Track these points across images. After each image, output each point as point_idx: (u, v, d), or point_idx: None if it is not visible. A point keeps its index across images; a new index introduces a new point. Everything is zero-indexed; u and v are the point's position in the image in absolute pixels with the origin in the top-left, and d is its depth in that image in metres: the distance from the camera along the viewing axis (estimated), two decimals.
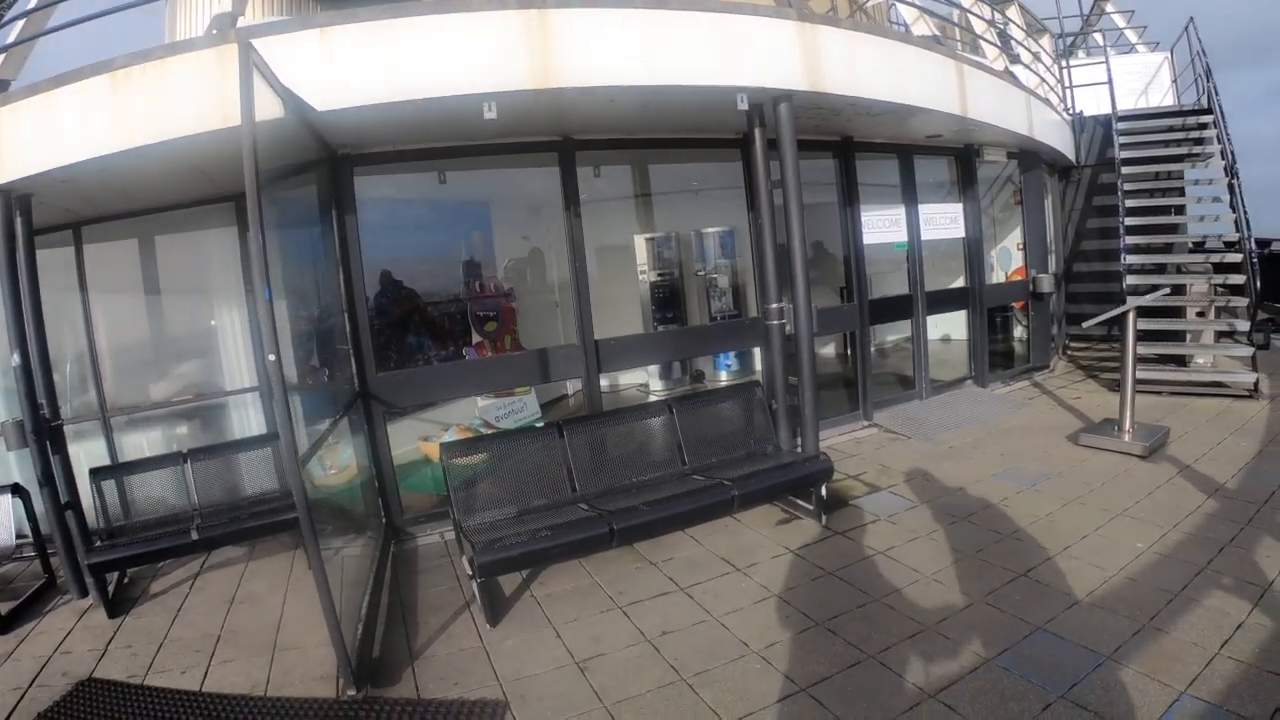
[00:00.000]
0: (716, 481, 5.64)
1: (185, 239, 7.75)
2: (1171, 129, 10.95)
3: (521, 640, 4.50)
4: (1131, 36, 14.84)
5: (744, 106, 5.89)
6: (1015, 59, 10.30)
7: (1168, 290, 8.36)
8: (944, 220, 9.39)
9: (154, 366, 7.98)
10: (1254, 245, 13.94)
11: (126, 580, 5.98)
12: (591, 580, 5.23)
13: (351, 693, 4.03)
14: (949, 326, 10.83)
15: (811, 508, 5.93)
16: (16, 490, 5.90)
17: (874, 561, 5.12)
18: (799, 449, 6.49)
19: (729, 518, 5.99)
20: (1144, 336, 9.13)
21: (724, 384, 9.44)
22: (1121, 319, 7.08)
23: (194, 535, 5.67)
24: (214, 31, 4.86)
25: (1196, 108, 11.14)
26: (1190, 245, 9.91)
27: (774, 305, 6.40)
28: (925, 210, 9.14)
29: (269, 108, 4.33)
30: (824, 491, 5.85)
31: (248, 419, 7.86)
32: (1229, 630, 3.85)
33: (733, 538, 5.75)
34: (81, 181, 5.48)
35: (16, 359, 5.36)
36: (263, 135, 3.94)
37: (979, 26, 9.46)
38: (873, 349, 10.87)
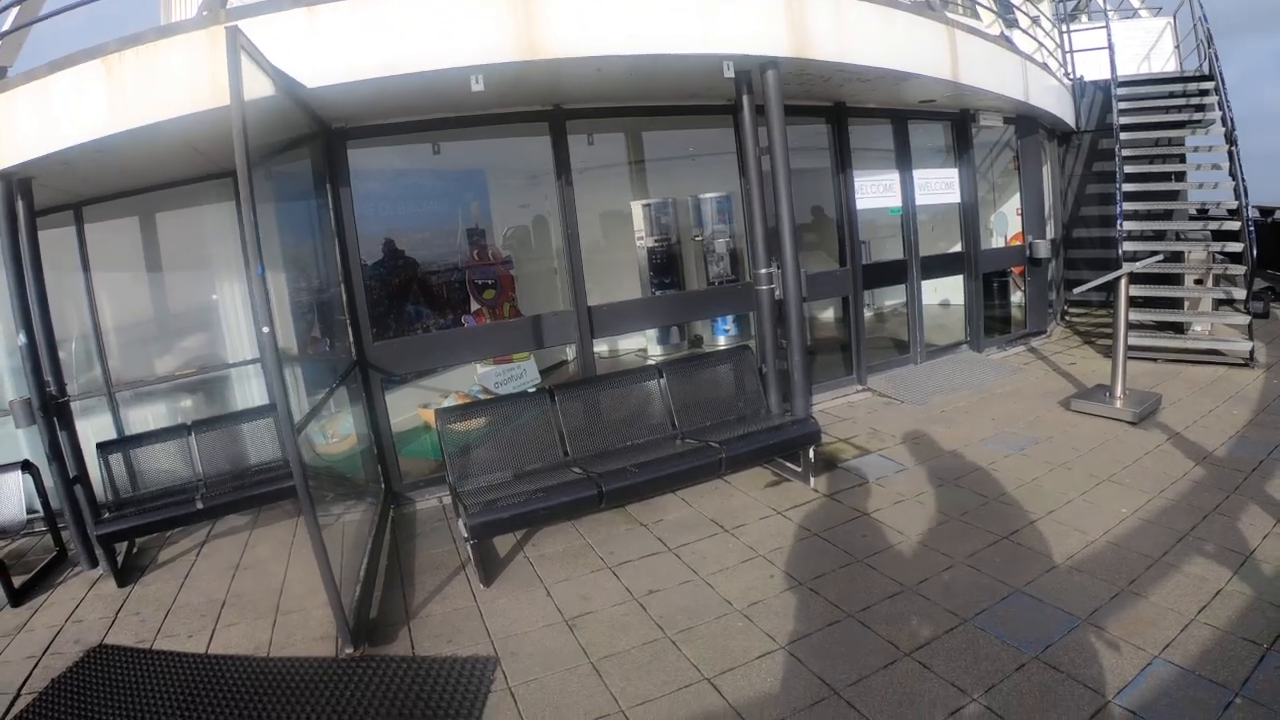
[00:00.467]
0: (705, 444, 5.75)
1: (184, 215, 7.82)
2: (1172, 95, 10.87)
3: (513, 599, 4.63)
4: (1134, 1, 14.67)
5: (730, 74, 5.91)
6: (1013, 24, 10.22)
7: (1161, 257, 8.36)
8: (939, 185, 9.39)
9: (157, 341, 8.11)
10: (1257, 213, 13.98)
11: (135, 550, 6.14)
12: (583, 541, 5.35)
13: (349, 651, 4.18)
14: (948, 291, 10.84)
15: (800, 470, 6.01)
16: (26, 466, 6.02)
17: (859, 523, 5.21)
18: (789, 413, 6.56)
19: (719, 480, 6.11)
20: (1142, 303, 9.19)
21: (721, 349, 9.50)
22: (1114, 285, 7.11)
23: (199, 504, 5.80)
24: (204, 13, 4.92)
25: (1198, 74, 11.05)
26: (1192, 212, 9.90)
27: (763, 270, 6.45)
28: (920, 175, 9.14)
29: (259, 87, 4.39)
30: (812, 454, 5.93)
31: (250, 390, 7.97)
32: (1207, 596, 3.89)
33: (722, 500, 5.85)
34: (80, 163, 5.55)
35: (22, 338, 5.47)
36: (254, 113, 4.02)
37: None
38: (870, 313, 10.94)
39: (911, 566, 4.55)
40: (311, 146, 5.99)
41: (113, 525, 5.65)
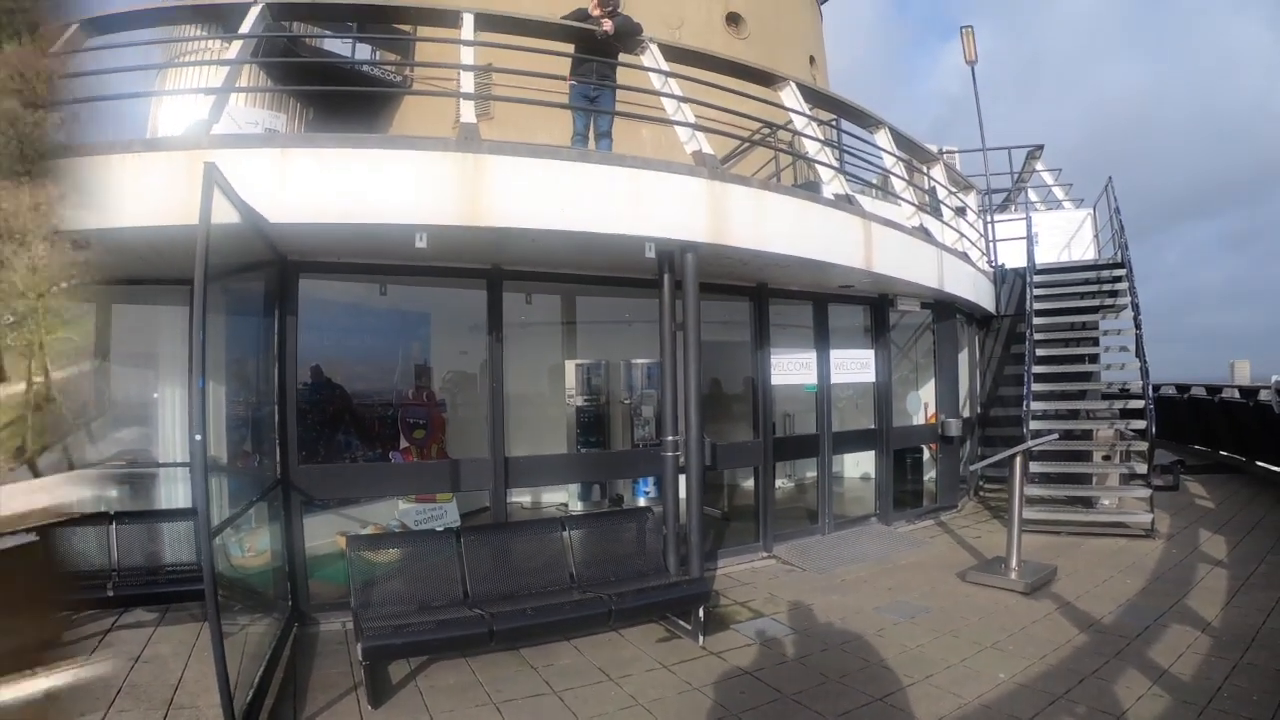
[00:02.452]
0: (597, 596, 6.01)
1: (139, 311, 8.07)
2: (1087, 281, 11.76)
3: None
4: (1059, 194, 15.81)
5: (651, 255, 6.40)
6: (936, 215, 10.94)
7: (1056, 436, 8.90)
8: (855, 365, 9.84)
9: (92, 427, 8.16)
10: (1174, 390, 14.85)
11: None
12: (474, 678, 5.47)
13: None
14: (869, 465, 11.00)
15: (691, 628, 6.21)
16: None
17: (740, 681, 5.41)
18: (687, 574, 6.78)
19: (613, 633, 6.27)
20: (1057, 479, 9.71)
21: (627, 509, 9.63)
22: (1010, 461, 7.57)
23: (109, 592, 5.93)
24: (189, 138, 5.42)
25: (1112, 262, 11.99)
26: (1106, 390, 10.57)
27: (670, 438, 6.85)
28: (836, 355, 9.58)
29: (227, 215, 4.82)
30: (702, 613, 6.16)
31: (176, 491, 7.93)
32: None
33: (613, 651, 6.00)
34: None
35: None
36: (219, 237, 4.44)
37: (898, 185, 10.05)
38: (791, 483, 11.28)
39: None
40: (267, 273, 6.36)
41: None
